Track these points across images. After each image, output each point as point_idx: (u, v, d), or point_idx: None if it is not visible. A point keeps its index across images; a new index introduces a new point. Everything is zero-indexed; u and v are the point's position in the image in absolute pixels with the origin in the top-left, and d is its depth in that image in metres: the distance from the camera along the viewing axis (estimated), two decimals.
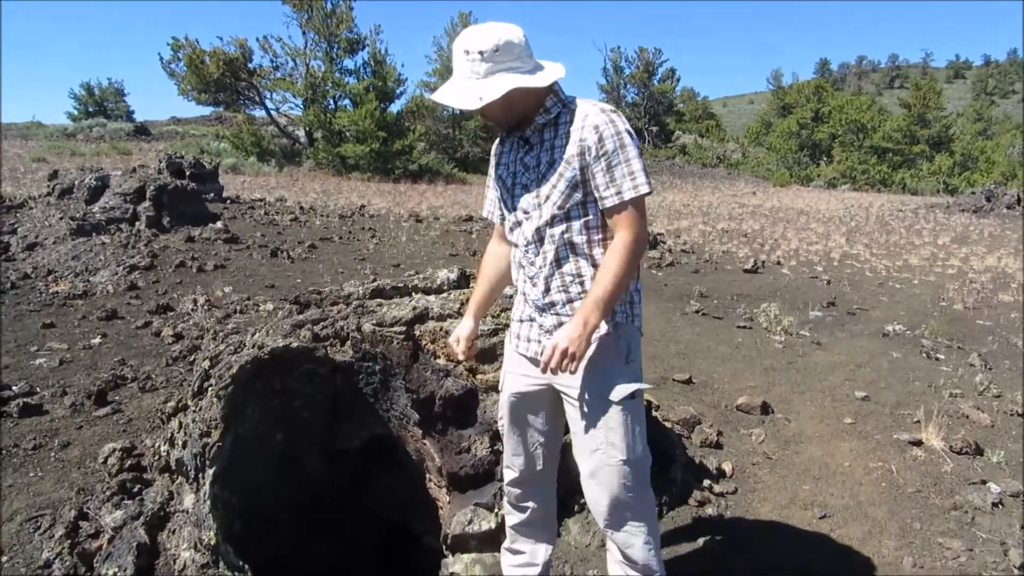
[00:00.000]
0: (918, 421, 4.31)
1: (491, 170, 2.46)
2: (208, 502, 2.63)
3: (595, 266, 2.19)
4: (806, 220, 20.11)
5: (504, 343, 2.58)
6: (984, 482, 3.60)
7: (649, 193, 2.10)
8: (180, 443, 2.90)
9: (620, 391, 2.17)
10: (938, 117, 53.30)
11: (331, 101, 32.65)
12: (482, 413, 3.08)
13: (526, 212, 2.26)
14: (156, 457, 3.10)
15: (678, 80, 59.28)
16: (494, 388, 3.09)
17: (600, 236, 2.20)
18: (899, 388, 4.98)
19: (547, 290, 2.26)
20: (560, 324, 2.22)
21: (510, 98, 2.06)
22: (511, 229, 2.36)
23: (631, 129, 2.12)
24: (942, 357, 5.93)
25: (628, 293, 2.22)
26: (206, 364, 3.07)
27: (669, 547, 3.10)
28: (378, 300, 3.39)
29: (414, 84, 42.59)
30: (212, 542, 2.53)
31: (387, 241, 10.42)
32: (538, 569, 2.62)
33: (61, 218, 9.30)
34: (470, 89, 2.06)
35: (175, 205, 10.06)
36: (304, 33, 32.51)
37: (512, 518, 2.63)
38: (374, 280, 3.66)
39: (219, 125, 39.54)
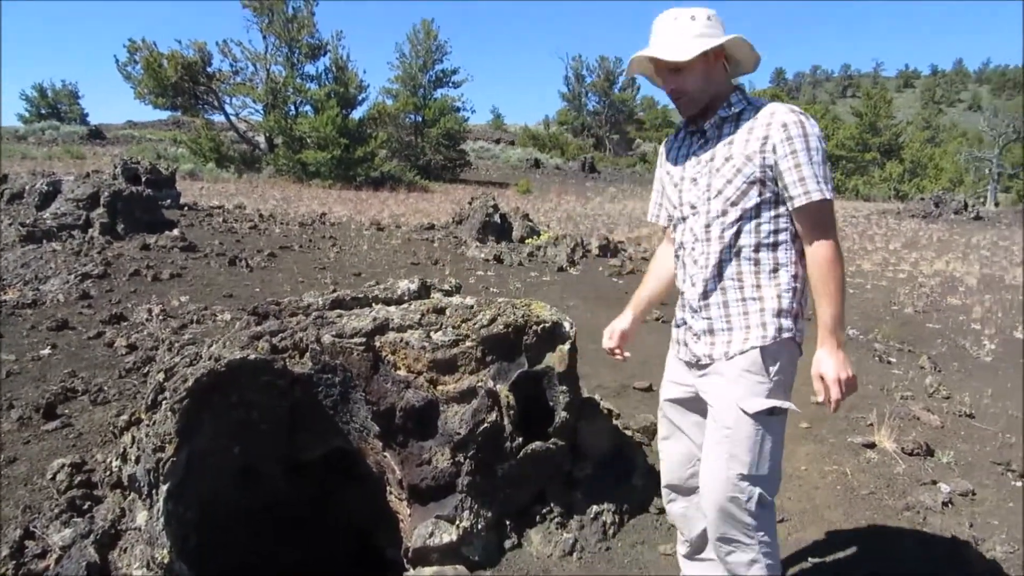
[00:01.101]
0: (871, 424, 4.41)
1: (657, 169, 2.45)
2: (162, 519, 2.57)
3: (757, 272, 2.13)
4: None
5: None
6: (935, 482, 3.70)
7: (832, 194, 2.03)
8: (133, 458, 2.84)
9: (754, 404, 2.09)
10: (889, 125, 54.77)
11: (292, 107, 32.34)
12: (443, 424, 3.06)
13: (693, 207, 2.22)
14: (107, 473, 3.03)
15: (638, 89, 60.01)
16: (455, 399, 3.08)
17: (770, 241, 2.13)
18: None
19: (705, 292, 2.22)
20: (710, 329, 2.21)
21: (710, 71, 2.10)
22: (675, 226, 2.34)
23: (819, 134, 2.04)
24: (894, 360, 6.08)
25: (792, 303, 2.14)
26: (160, 377, 3.01)
27: (630, 556, 3.12)
28: (338, 311, 3.36)
29: (376, 91, 42.36)
30: (165, 560, 2.48)
31: (348, 250, 10.33)
32: None
33: (10, 224, 9.05)
34: (683, 44, 2.05)
35: (130, 212, 9.86)
36: (265, 37, 32.19)
37: (683, 532, 2.61)
38: (334, 290, 3.63)
39: (176, 130, 38.84)
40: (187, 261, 8.38)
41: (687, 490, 2.54)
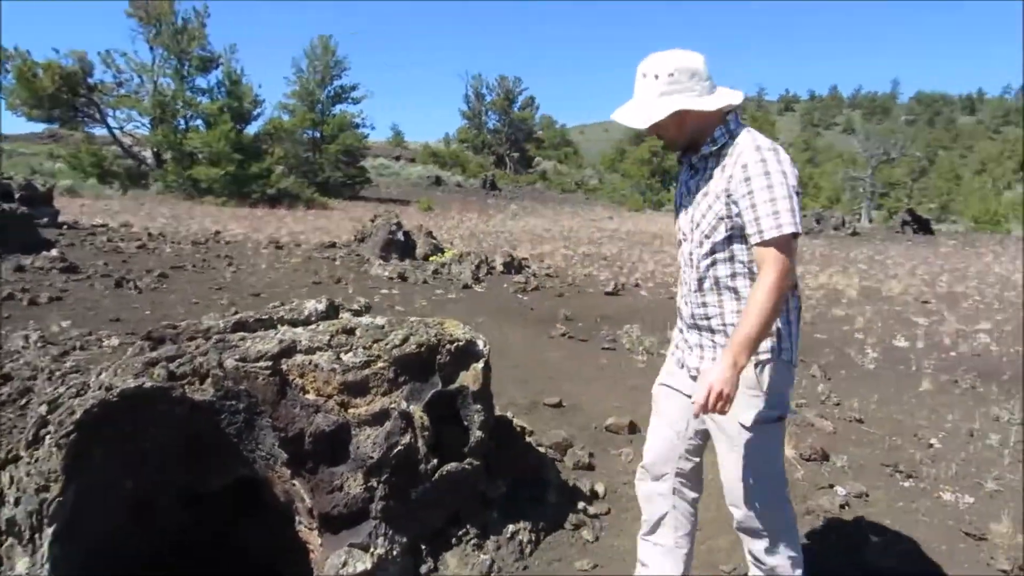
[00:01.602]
0: None
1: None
2: (47, 566, 2.37)
3: (737, 299, 2.29)
4: (660, 243, 21.11)
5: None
6: (831, 486, 3.87)
7: (795, 234, 2.10)
8: (12, 500, 2.60)
9: (750, 417, 2.26)
10: None
11: (182, 121, 31.09)
12: (355, 449, 2.97)
13: (684, 235, 2.41)
14: None
15: (537, 108, 61.02)
16: (368, 422, 3.00)
17: (746, 271, 2.26)
18: None
19: (692, 314, 2.41)
20: (701, 345, 2.40)
21: (681, 119, 2.22)
22: (678, 245, 2.51)
23: (786, 169, 2.13)
24: None
25: (776, 327, 2.27)
26: (43, 409, 2.78)
27: (547, 573, 3.11)
28: (241, 334, 3.21)
29: (272, 106, 41.22)
30: None
31: (245, 269, 9.96)
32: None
33: None
34: (643, 109, 2.21)
35: (2, 231, 9.17)
36: (152, 49, 30.81)
37: (644, 512, 2.72)
38: (235, 312, 3.47)
39: (53, 143, 36.50)
40: (68, 283, 7.86)
41: (657, 474, 2.65)
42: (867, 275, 14.48)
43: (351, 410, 3.01)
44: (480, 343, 3.26)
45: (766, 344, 2.25)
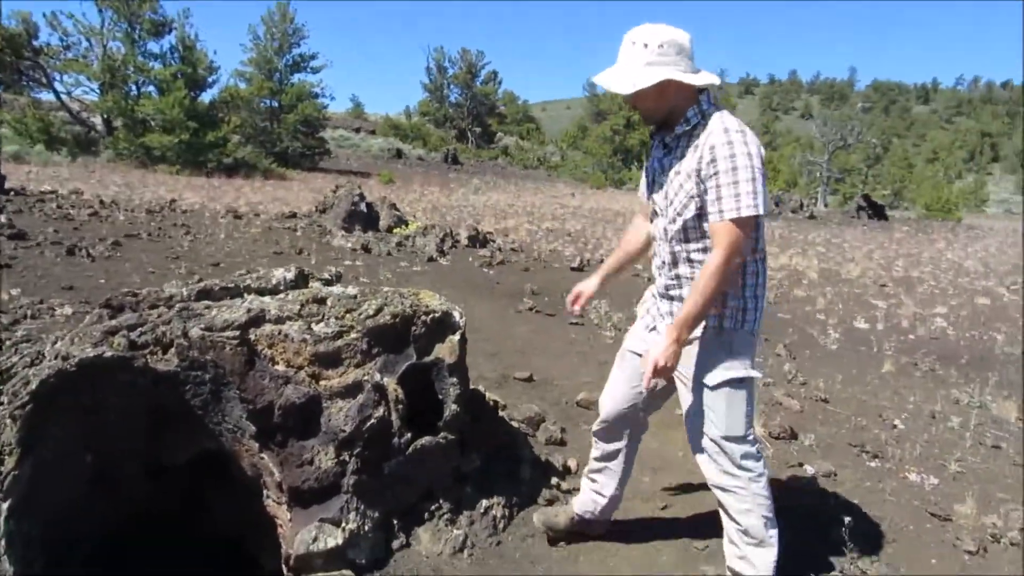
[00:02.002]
0: None
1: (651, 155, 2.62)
2: (3, 541, 2.24)
3: None
4: (622, 221, 21.17)
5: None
6: (801, 464, 3.89)
7: (753, 216, 2.19)
8: None
9: (715, 377, 2.39)
10: None
11: (133, 87, 30.00)
12: (327, 422, 2.87)
13: (659, 210, 2.50)
14: None
15: (500, 83, 60.51)
16: (340, 395, 2.90)
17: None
18: None
19: (666, 284, 2.54)
20: (671, 312, 2.49)
21: (663, 91, 2.26)
22: (651, 219, 2.62)
23: (752, 151, 2.20)
24: None
25: (741, 300, 2.40)
26: None
27: (521, 550, 3.07)
28: (206, 302, 3.07)
29: (228, 73, 40.02)
30: None
31: (203, 238, 9.68)
32: (604, 500, 2.96)
33: None
34: (628, 75, 2.23)
35: None
36: (101, 11, 29.58)
37: (594, 451, 2.99)
38: (199, 280, 3.32)
39: None
40: (16, 250, 7.53)
41: (613, 424, 2.88)
42: (825, 257, 14.72)
43: (323, 382, 2.91)
44: (456, 315, 3.18)
45: (731, 315, 2.39)
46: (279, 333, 2.90)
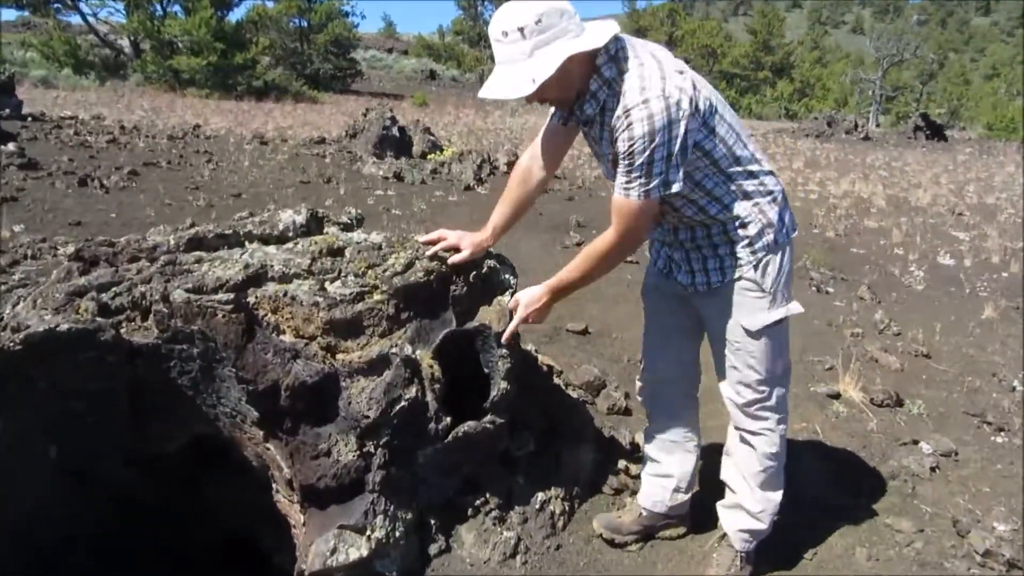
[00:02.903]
0: (830, 368, 3.96)
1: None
2: None
3: (708, 230, 2.20)
4: None
5: None
6: (915, 442, 3.27)
7: (640, 200, 1.97)
8: None
9: (757, 321, 2.19)
10: (781, 44, 55.53)
11: (158, 7, 29.03)
12: (346, 405, 2.31)
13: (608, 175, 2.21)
14: None
15: None
16: (362, 371, 2.32)
17: (706, 190, 2.12)
18: (801, 329, 4.63)
19: (676, 238, 2.32)
20: (689, 266, 2.29)
21: (565, 72, 1.90)
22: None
23: (665, 125, 1.87)
24: (832, 291, 5.71)
25: (759, 225, 2.15)
26: None
27: (586, 555, 2.52)
28: (196, 254, 2.48)
29: None
30: None
31: (226, 167, 9.10)
32: (674, 484, 2.54)
33: None
34: (519, 73, 1.88)
35: None
36: None
37: (648, 424, 2.65)
38: (191, 225, 2.72)
39: (27, 32, 34.34)
40: (25, 181, 7.03)
41: (660, 381, 2.56)
42: (890, 183, 13.67)
43: (340, 356, 2.33)
44: (507, 272, 2.55)
45: (761, 241, 2.15)
46: (285, 295, 2.31)
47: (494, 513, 2.56)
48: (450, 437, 2.43)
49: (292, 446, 2.31)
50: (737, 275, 2.19)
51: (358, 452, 2.29)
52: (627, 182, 1.96)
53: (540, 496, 2.65)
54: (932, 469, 3.04)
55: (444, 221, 7.16)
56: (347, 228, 2.79)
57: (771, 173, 2.21)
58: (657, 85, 1.86)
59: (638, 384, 2.65)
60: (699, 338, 2.48)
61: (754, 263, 2.17)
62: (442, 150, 11.58)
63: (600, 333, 4.24)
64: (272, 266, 2.37)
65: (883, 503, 2.84)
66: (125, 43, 30.00)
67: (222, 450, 2.51)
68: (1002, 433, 3.41)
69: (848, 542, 2.61)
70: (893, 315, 5.04)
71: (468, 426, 2.46)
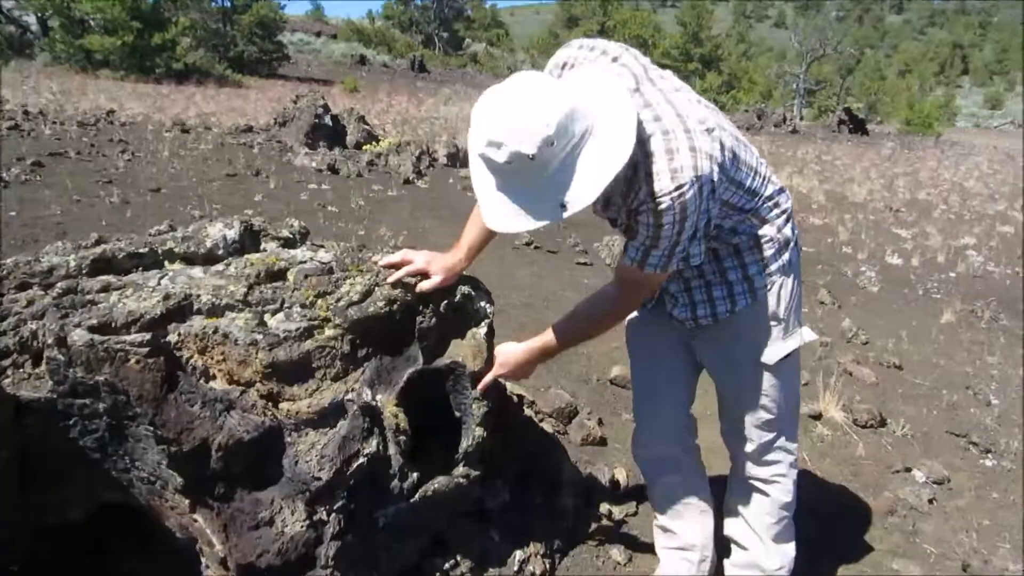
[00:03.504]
0: (806, 383, 3.73)
1: None
2: None
3: (720, 268, 1.92)
4: None
5: None
6: (908, 469, 3.06)
7: (656, 272, 1.72)
8: None
9: (773, 353, 1.93)
10: (709, 37, 56.32)
11: None
12: (292, 465, 1.92)
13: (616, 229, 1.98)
14: None
15: None
16: (310, 423, 1.93)
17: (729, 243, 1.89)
18: None
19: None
20: (691, 301, 2.00)
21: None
22: None
23: (697, 207, 1.58)
24: None
25: (772, 254, 1.89)
26: None
27: None
28: (103, 279, 2.03)
29: None
30: None
31: (144, 157, 8.39)
32: (699, 552, 2.20)
33: None
34: (539, 195, 1.49)
35: None
36: None
37: (653, 490, 2.30)
38: (97, 243, 2.25)
39: None
40: None
41: (660, 444, 2.22)
42: (824, 177, 13.81)
43: (284, 405, 1.93)
44: (482, 300, 2.19)
45: (776, 262, 1.89)
46: (215, 332, 1.89)
47: None
48: (417, 496, 2.07)
49: (226, 516, 1.90)
50: (748, 303, 1.91)
51: (307, 521, 1.91)
52: (644, 257, 1.70)
53: (518, 555, 2.31)
54: (930, 501, 2.83)
55: (385, 218, 6.71)
56: (289, 244, 2.37)
57: (783, 190, 1.95)
58: (688, 163, 1.54)
59: (634, 448, 2.32)
60: (695, 382, 2.20)
61: (767, 288, 1.91)
62: (378, 140, 11.06)
63: None
64: (199, 295, 1.95)
65: (886, 544, 2.61)
66: (32, 20, 28.03)
67: (138, 518, 2.07)
68: (990, 455, 3.25)
69: None
70: (857, 321, 4.89)
71: (438, 483, 2.10)
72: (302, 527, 1.90)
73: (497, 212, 1.55)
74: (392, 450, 2.02)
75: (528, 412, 2.89)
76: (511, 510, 2.41)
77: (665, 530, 2.24)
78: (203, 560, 2.04)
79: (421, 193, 8.40)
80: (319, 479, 1.90)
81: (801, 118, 43.84)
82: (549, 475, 2.62)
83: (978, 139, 39.11)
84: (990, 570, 2.45)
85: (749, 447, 2.04)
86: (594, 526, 2.55)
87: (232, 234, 2.26)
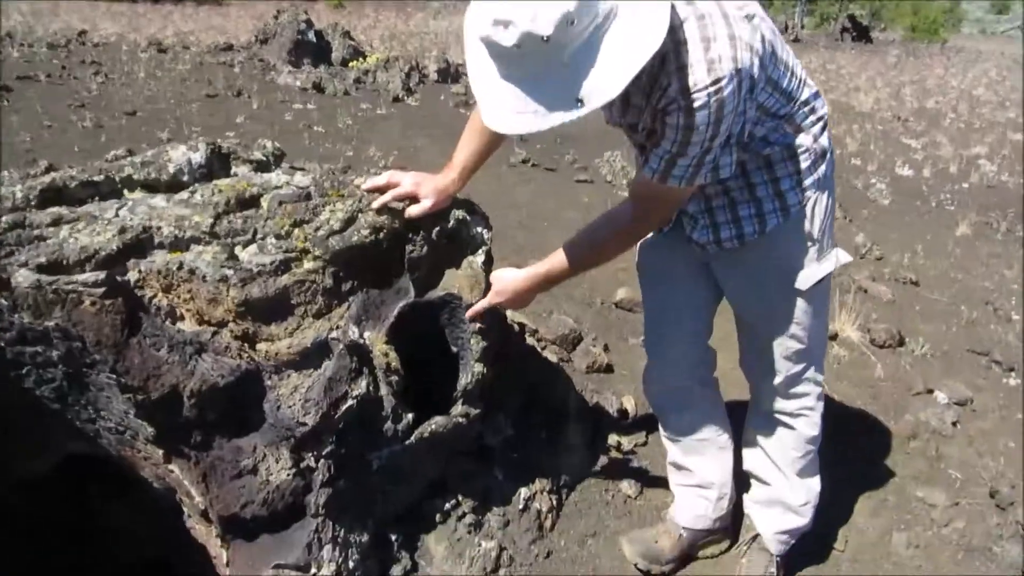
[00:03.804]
0: None
1: None
2: None
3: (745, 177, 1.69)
4: None
5: None
6: (930, 391, 2.92)
7: (681, 186, 1.51)
8: None
9: (807, 277, 1.74)
10: None
11: None
12: (273, 410, 1.76)
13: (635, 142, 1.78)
14: None
15: None
16: (292, 365, 1.76)
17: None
18: None
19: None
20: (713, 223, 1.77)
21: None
22: None
23: (735, 108, 1.37)
24: None
25: (814, 161, 1.68)
26: None
27: (583, 560, 2.09)
28: (54, 211, 1.81)
29: None
30: None
31: (118, 80, 7.98)
32: (716, 491, 2.05)
33: None
34: (551, 89, 1.23)
35: None
36: None
37: (666, 429, 2.12)
38: (47, 171, 2.02)
39: None
40: None
41: (676, 380, 2.03)
42: (830, 87, 13.34)
43: (262, 346, 1.75)
44: (479, 225, 1.98)
45: (812, 176, 1.67)
46: (180, 268, 1.70)
47: (468, 518, 2.09)
48: (412, 438, 1.92)
49: (204, 465, 1.75)
50: (779, 223, 1.70)
51: (294, 469, 1.76)
52: (668, 167, 1.47)
53: (524, 492, 2.19)
54: (953, 424, 2.71)
55: (374, 137, 6.41)
56: (262, 167, 2.14)
57: (818, 95, 1.71)
58: (727, 53, 1.31)
59: (646, 384, 2.15)
60: (714, 310, 2.00)
61: (802, 205, 1.69)
62: (365, 57, 10.59)
63: None
64: (160, 228, 1.74)
65: (909, 470, 2.49)
66: None
67: (112, 468, 1.92)
68: (1013, 374, 3.11)
69: (881, 524, 2.25)
70: (870, 236, 4.70)
71: (436, 423, 1.94)
72: (288, 475, 1.75)
73: (499, 108, 1.30)
74: (384, 391, 1.85)
75: (530, 341, 2.72)
76: (514, 446, 2.27)
77: (680, 467, 2.10)
78: (185, 511, 1.91)
79: (411, 111, 8.05)
80: (304, 424, 1.74)
81: (803, 26, 42.43)
82: (554, 407, 2.47)
83: (984, 45, 38.01)
84: (1018, 496, 2.33)
85: (776, 379, 1.86)
86: (602, 459, 2.42)
87: (197, 157, 2.03)
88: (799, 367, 1.85)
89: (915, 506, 2.33)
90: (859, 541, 2.20)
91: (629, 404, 2.71)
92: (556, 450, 2.36)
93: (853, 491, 2.37)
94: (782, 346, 1.81)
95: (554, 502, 2.23)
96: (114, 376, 1.62)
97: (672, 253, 1.91)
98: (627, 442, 2.52)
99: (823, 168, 1.70)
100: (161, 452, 1.74)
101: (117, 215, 1.80)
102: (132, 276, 1.68)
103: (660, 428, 2.16)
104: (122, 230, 1.69)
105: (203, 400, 1.68)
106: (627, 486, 2.34)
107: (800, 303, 1.75)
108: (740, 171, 1.67)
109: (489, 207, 2.12)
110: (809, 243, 1.71)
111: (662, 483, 2.30)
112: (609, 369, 2.93)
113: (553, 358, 2.76)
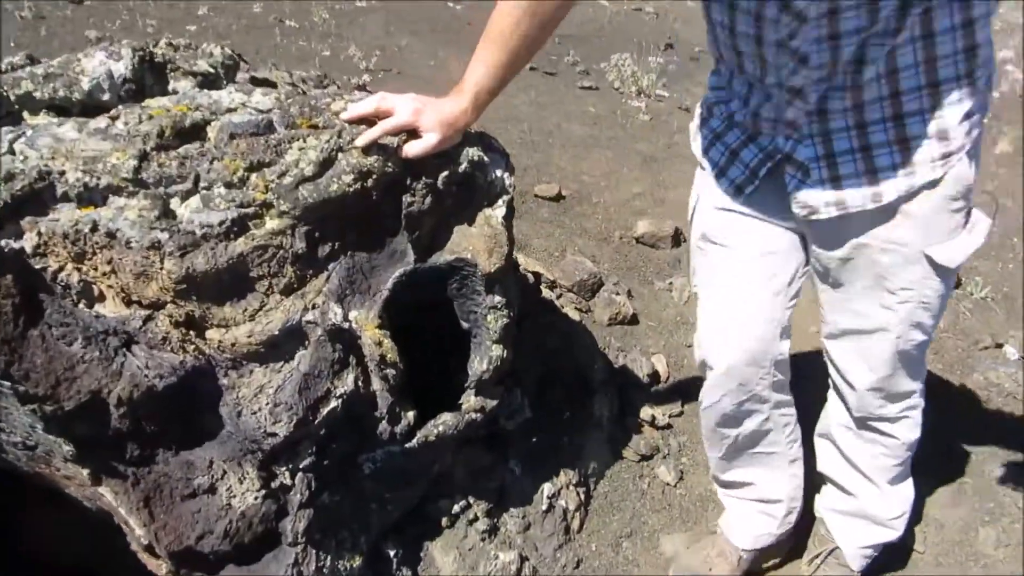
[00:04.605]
0: None
1: None
2: None
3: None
4: None
5: None
6: (999, 345, 2.55)
7: None
8: None
9: (957, 251, 1.27)
10: None
11: None
12: (232, 415, 1.34)
13: None
14: None
15: None
16: (255, 357, 1.32)
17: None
18: None
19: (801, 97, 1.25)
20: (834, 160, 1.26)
21: None
22: None
23: None
24: None
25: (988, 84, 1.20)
26: None
27: (620, 565, 1.75)
28: None
29: None
30: None
31: None
32: (783, 506, 1.69)
33: None
34: None
35: None
36: None
37: (713, 436, 1.67)
38: None
39: None
40: None
41: (744, 378, 1.52)
42: None
43: (213, 334, 1.31)
44: (499, 168, 1.50)
45: (984, 108, 1.21)
46: (94, 230, 1.23)
47: (481, 523, 1.72)
48: (415, 440, 1.51)
49: (146, 485, 1.34)
50: (939, 175, 1.21)
51: (263, 491, 1.36)
52: None
53: (546, 488, 1.81)
54: None
55: (353, 34, 5.74)
56: (209, 81, 1.62)
57: None
58: None
59: (705, 384, 1.62)
60: (796, 297, 1.52)
61: (968, 148, 1.21)
62: None
63: (578, 197, 3.24)
64: (63, 171, 1.26)
65: (985, 444, 2.14)
66: None
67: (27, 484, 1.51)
68: None
69: (963, 517, 1.92)
70: None
71: (444, 423, 1.53)
72: (256, 499, 1.36)
73: None
74: (377, 385, 1.43)
75: (549, 295, 2.29)
76: (534, 430, 1.88)
77: (740, 483, 1.71)
78: (128, 537, 1.51)
79: (396, 3, 7.29)
80: (274, 435, 1.33)
81: None
82: (577, 377, 2.07)
83: None
84: None
85: (881, 380, 1.45)
86: (634, 438, 2.04)
87: (120, 68, 1.51)
88: (914, 365, 1.45)
89: (998, 493, 2.00)
90: (939, 539, 1.87)
91: (660, 365, 2.32)
92: (581, 428, 1.98)
93: (924, 474, 2.01)
94: (902, 340, 1.38)
95: (582, 497, 1.87)
96: (7, 383, 1.18)
97: (751, 218, 1.44)
98: (661, 414, 2.14)
99: (988, 96, 1.23)
100: (86, 472, 1.32)
101: (10, 151, 1.31)
102: (28, 241, 1.22)
103: (706, 442, 1.73)
104: (8, 176, 1.21)
105: (136, 408, 1.26)
106: (664, 471, 1.98)
107: (936, 286, 1.32)
108: (893, 88, 1.15)
109: (485, 121, 1.61)
110: (962, 203, 1.25)
111: (705, 465, 1.94)
112: (634, 320, 2.52)
113: (573, 314, 2.34)
